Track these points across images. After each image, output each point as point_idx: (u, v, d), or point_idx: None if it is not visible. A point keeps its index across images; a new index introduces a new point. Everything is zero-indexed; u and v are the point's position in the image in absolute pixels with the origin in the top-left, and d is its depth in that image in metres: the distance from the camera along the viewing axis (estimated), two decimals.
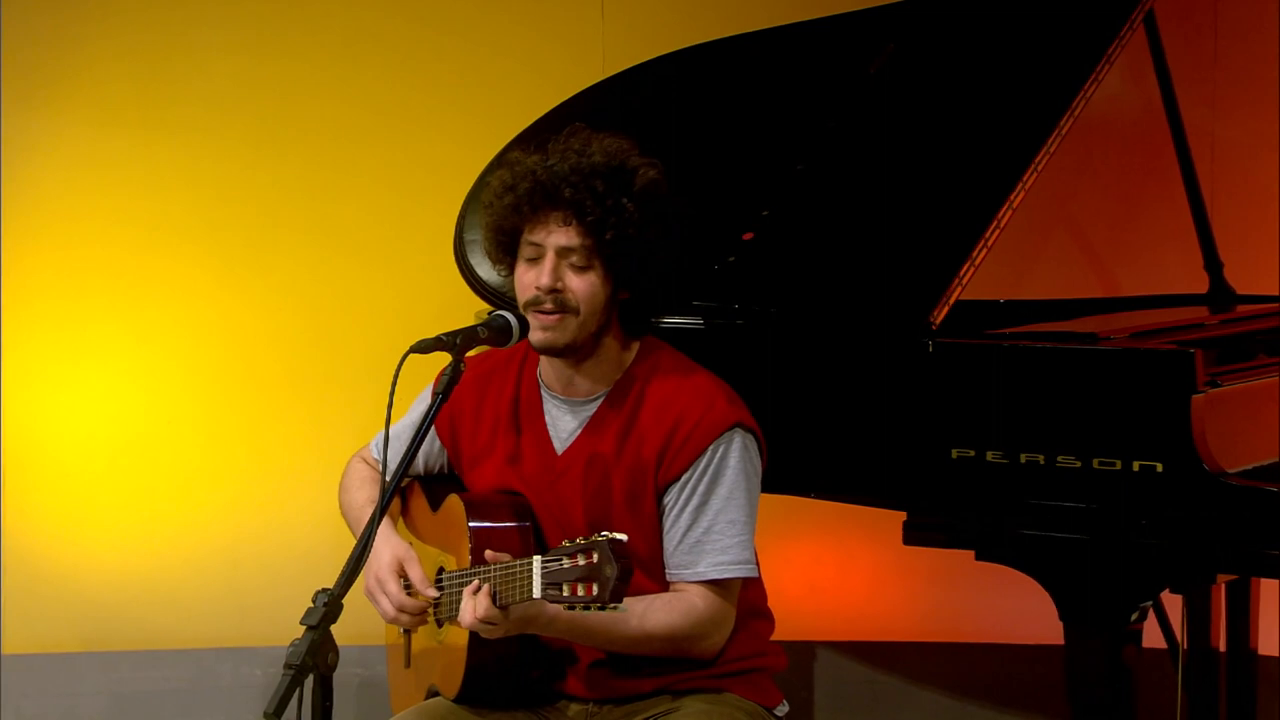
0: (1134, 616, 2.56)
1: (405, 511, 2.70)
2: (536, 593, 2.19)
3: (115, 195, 3.97)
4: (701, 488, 2.44)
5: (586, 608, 2.15)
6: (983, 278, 2.77)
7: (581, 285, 2.42)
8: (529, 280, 2.44)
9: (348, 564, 2.20)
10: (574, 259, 2.42)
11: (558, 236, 2.42)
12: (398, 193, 4.02)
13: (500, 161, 2.73)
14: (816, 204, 2.99)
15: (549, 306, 2.42)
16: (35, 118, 3.92)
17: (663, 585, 2.47)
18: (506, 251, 2.49)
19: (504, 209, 2.45)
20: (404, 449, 2.36)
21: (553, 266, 2.42)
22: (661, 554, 2.47)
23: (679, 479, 2.44)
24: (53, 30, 3.94)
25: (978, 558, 2.65)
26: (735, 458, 2.44)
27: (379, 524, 2.23)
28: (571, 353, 2.47)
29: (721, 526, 2.43)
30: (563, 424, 2.52)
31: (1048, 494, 2.57)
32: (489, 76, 4.03)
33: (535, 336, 2.45)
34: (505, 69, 4.03)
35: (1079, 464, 2.55)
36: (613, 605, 2.13)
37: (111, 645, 3.99)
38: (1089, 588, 2.55)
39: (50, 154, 3.95)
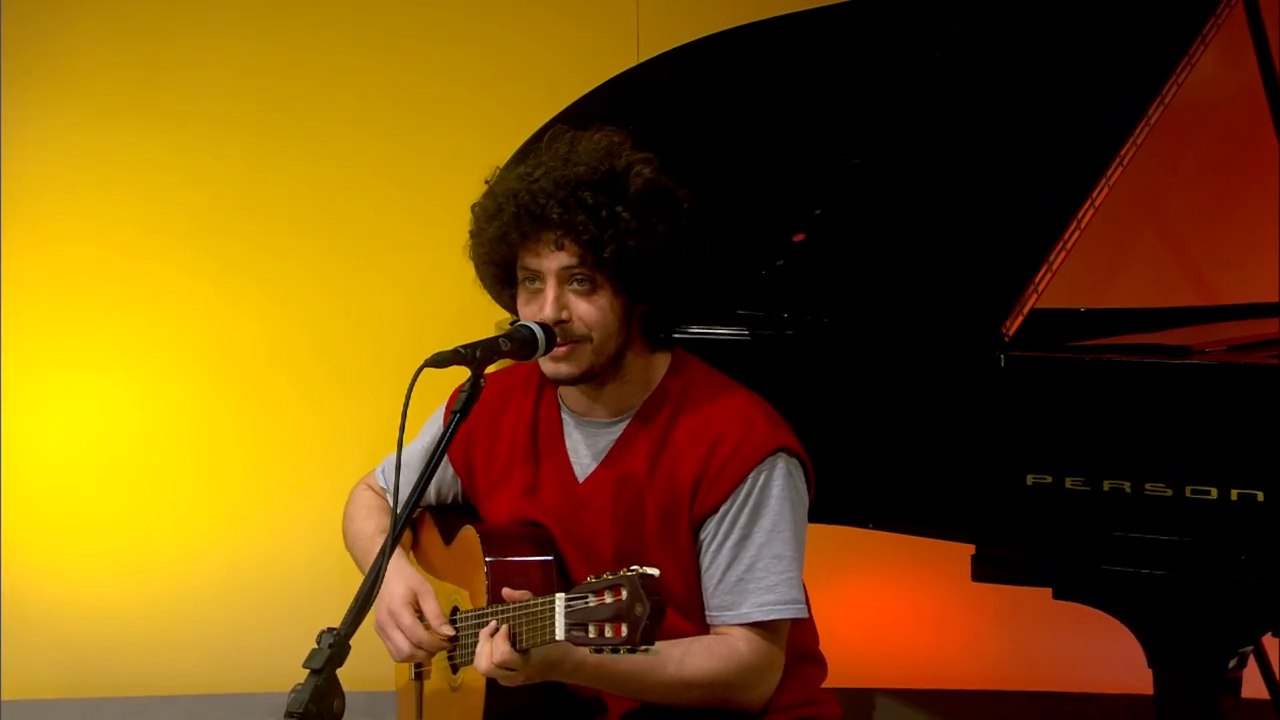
0: (1232, 663, 2.54)
1: (416, 544, 2.69)
2: (560, 634, 2.18)
3: (108, 191, 4.01)
4: (742, 520, 2.42)
5: (615, 650, 2.13)
6: (1061, 284, 2.75)
7: (589, 310, 2.40)
8: (531, 314, 2.42)
9: (356, 600, 2.19)
10: (577, 282, 2.39)
11: (554, 260, 2.39)
12: (411, 190, 4.03)
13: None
14: (874, 202, 2.98)
15: (558, 339, 2.40)
16: (30, 104, 3.95)
17: (702, 627, 2.45)
18: (505, 283, 2.48)
19: (491, 240, 2.43)
20: (415, 476, 2.35)
21: (555, 296, 2.39)
22: (700, 593, 2.45)
23: (717, 510, 2.43)
24: (49, 13, 3.96)
25: (1055, 596, 2.63)
26: (779, 486, 2.42)
27: (390, 556, 2.22)
28: (590, 379, 2.45)
29: (766, 563, 2.41)
30: (584, 449, 2.51)
31: (1134, 525, 2.55)
32: (511, 62, 4.03)
33: (548, 368, 2.44)
34: (529, 54, 4.04)
35: (1169, 492, 2.53)
36: (644, 647, 2.12)
37: (95, 691, 4.00)
38: (1181, 631, 2.53)
39: (42, 147, 3.98)
